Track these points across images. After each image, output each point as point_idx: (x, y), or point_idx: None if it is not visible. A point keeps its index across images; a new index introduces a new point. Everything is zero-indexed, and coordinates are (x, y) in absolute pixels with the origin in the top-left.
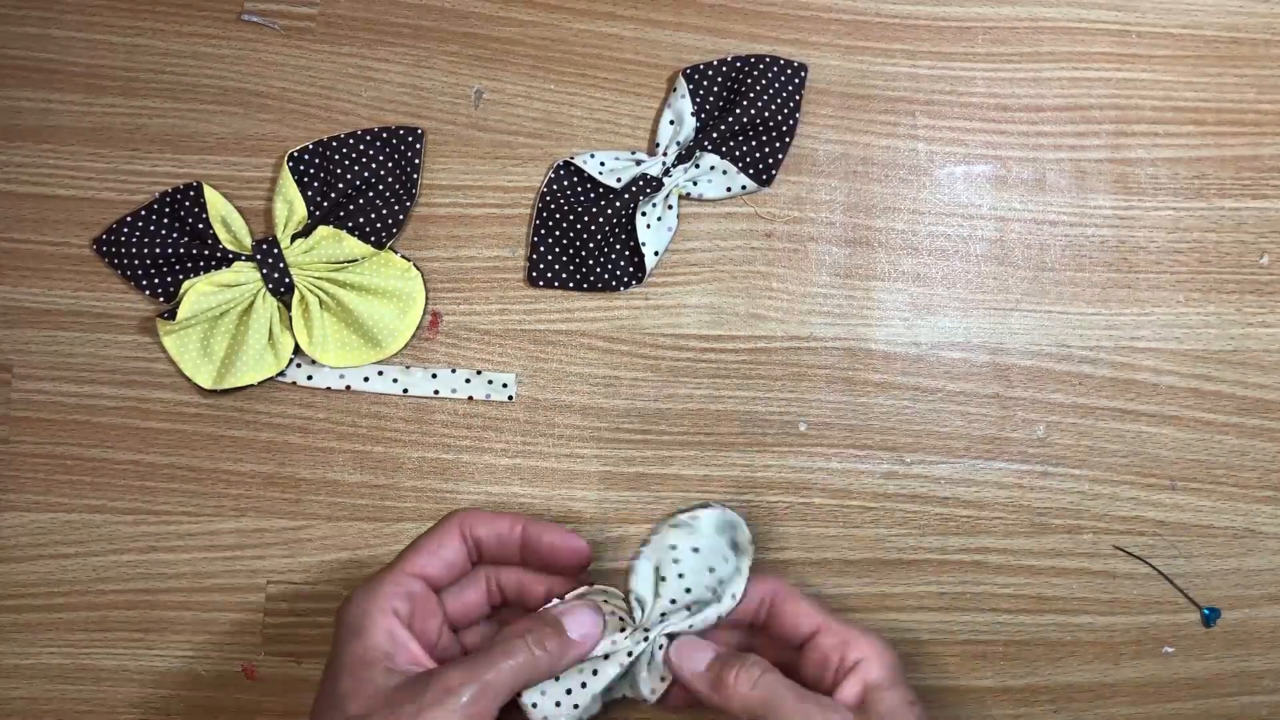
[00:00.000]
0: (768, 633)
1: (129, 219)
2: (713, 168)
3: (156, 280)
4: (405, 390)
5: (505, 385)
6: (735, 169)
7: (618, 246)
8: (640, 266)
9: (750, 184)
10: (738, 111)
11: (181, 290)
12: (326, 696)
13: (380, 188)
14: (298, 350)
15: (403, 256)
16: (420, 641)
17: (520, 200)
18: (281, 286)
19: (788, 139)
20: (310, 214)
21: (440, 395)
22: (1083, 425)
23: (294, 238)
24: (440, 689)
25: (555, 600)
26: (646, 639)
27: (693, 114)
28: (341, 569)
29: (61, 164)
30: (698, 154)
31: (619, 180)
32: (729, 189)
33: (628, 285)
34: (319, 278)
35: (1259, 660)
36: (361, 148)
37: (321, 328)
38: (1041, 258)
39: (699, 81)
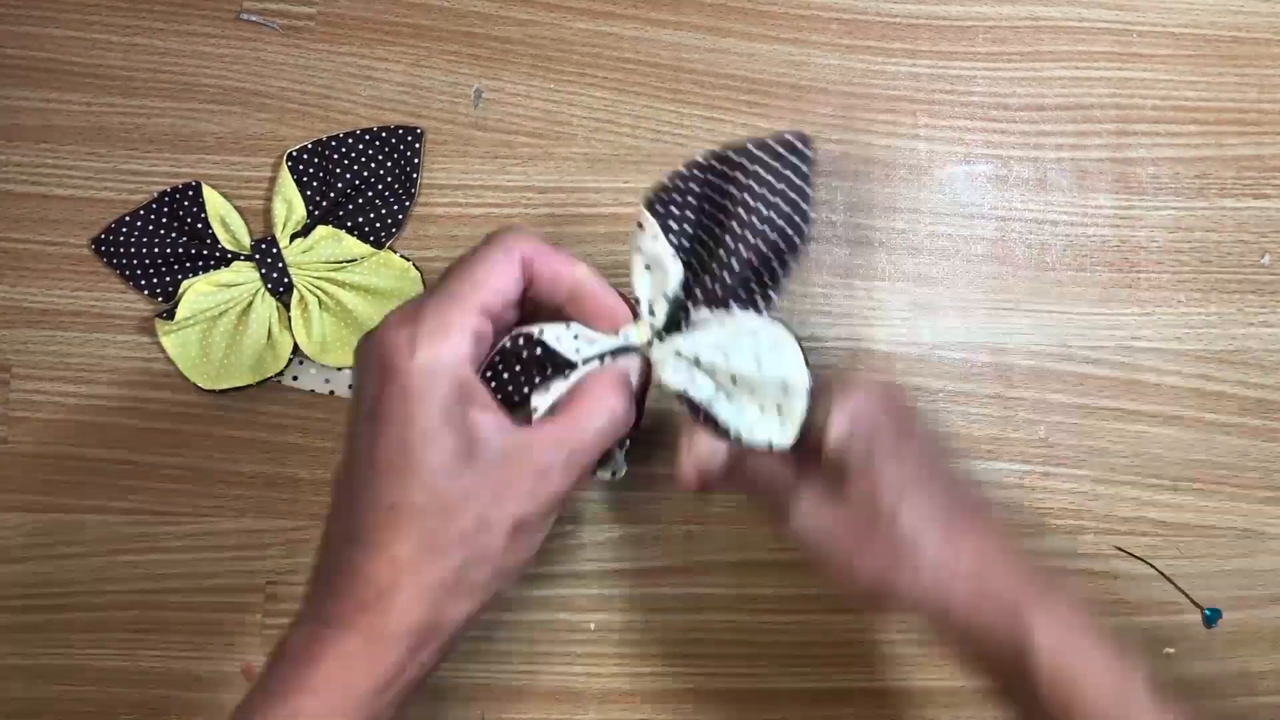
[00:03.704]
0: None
1: (128, 219)
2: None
3: (155, 280)
4: None
5: None
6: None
7: None
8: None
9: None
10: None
11: (180, 290)
12: (390, 468)
13: (379, 187)
14: (296, 350)
15: (402, 256)
16: None
17: (520, 200)
18: (280, 286)
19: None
20: (309, 213)
21: None
22: (1084, 425)
23: (293, 237)
24: (544, 476)
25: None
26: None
27: (676, 255)
28: None
29: (61, 164)
30: (692, 312)
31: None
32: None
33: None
34: (318, 277)
35: (1261, 661)
36: (361, 147)
37: (320, 328)
38: (1042, 257)
39: (676, 201)
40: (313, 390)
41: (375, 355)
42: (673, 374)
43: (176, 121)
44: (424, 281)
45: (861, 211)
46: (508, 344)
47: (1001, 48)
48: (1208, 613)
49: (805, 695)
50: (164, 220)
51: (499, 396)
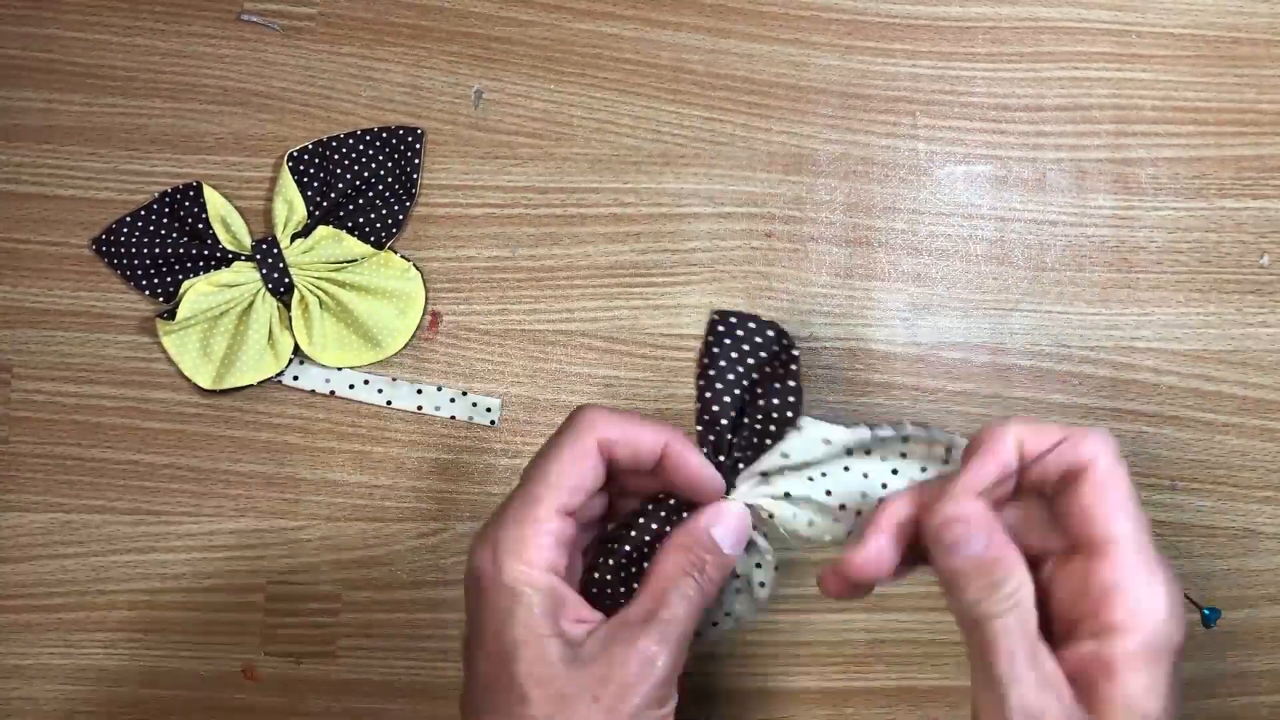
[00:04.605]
0: (1055, 510)
1: (128, 219)
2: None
3: (156, 280)
4: (389, 402)
5: (489, 410)
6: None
7: None
8: None
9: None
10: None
11: (181, 290)
12: (496, 683)
13: (380, 188)
14: (297, 350)
15: (403, 256)
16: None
17: (520, 200)
18: (281, 286)
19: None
20: (310, 214)
21: (423, 411)
22: (1083, 425)
23: (294, 238)
24: (640, 661)
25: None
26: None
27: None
28: (341, 569)
29: (61, 164)
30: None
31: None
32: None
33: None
34: (319, 278)
35: (1260, 661)
36: (361, 148)
37: (321, 328)
38: (1041, 258)
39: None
40: (313, 390)
41: (467, 574)
42: (774, 507)
43: (177, 122)
44: (424, 282)
45: (861, 211)
46: (606, 557)
47: (1001, 48)
48: (1206, 612)
49: (805, 695)
50: (164, 220)
51: (607, 591)
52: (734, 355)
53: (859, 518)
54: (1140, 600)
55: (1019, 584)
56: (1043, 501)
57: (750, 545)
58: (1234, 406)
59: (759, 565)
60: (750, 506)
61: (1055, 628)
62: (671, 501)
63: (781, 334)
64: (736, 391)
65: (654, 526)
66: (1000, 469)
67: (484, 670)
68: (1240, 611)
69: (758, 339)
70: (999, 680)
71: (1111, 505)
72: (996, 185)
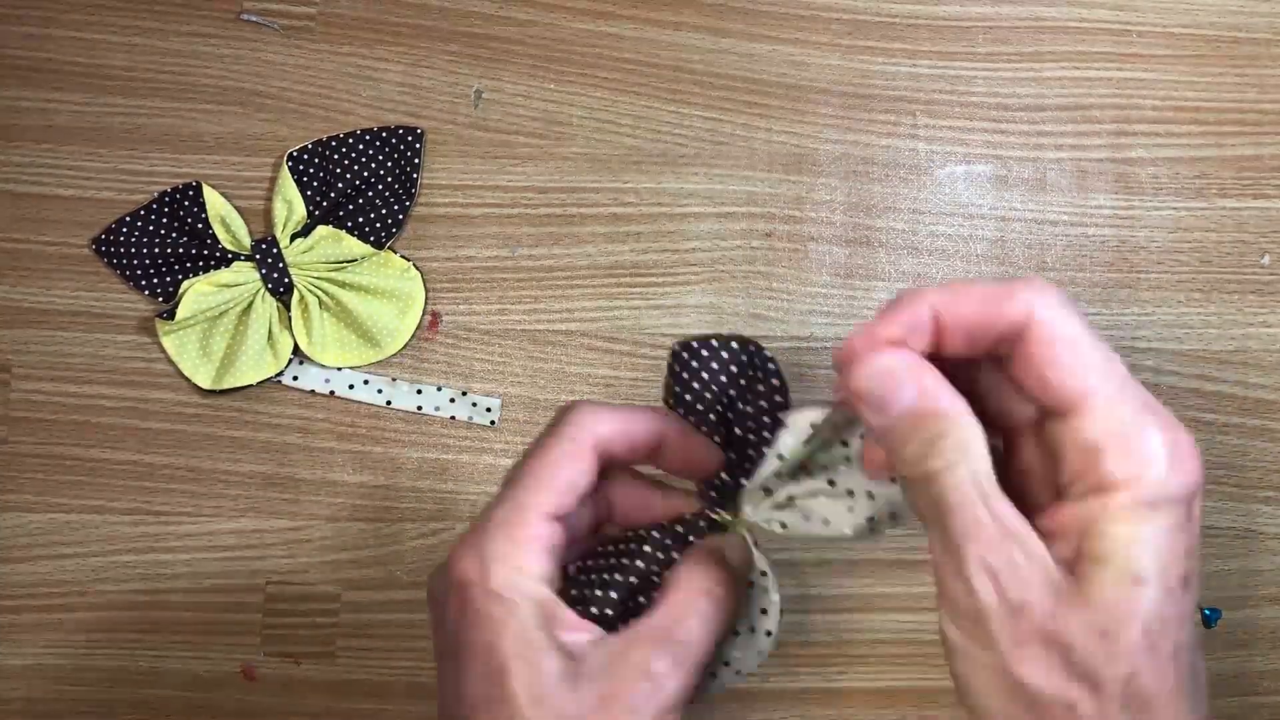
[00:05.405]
0: (1010, 377)
1: (128, 219)
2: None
3: (155, 280)
4: (389, 402)
5: (489, 410)
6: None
7: None
8: None
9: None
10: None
11: (180, 290)
12: (486, 703)
13: (380, 187)
14: (296, 350)
15: (402, 256)
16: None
17: (520, 200)
18: (281, 286)
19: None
20: (309, 214)
21: (423, 411)
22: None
23: (293, 237)
24: (649, 682)
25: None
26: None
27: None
28: (341, 569)
29: (61, 164)
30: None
31: None
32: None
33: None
34: (318, 278)
35: (1260, 661)
36: (361, 147)
37: (321, 328)
38: (1042, 257)
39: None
40: (313, 390)
41: (449, 585)
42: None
43: (177, 121)
44: (424, 282)
45: (861, 211)
46: (597, 559)
47: (1001, 48)
48: (1207, 612)
49: (805, 695)
50: (164, 220)
51: (593, 608)
52: (696, 385)
53: (871, 501)
54: (1126, 452)
55: (963, 433)
56: (1000, 367)
57: (756, 587)
58: (1234, 406)
59: (765, 611)
60: (760, 525)
61: (1039, 502)
62: (678, 528)
63: (746, 343)
64: (712, 417)
65: (660, 555)
66: (906, 329)
67: (471, 692)
68: (1240, 611)
69: (723, 354)
70: (953, 539)
71: (1065, 361)
72: (997, 185)
